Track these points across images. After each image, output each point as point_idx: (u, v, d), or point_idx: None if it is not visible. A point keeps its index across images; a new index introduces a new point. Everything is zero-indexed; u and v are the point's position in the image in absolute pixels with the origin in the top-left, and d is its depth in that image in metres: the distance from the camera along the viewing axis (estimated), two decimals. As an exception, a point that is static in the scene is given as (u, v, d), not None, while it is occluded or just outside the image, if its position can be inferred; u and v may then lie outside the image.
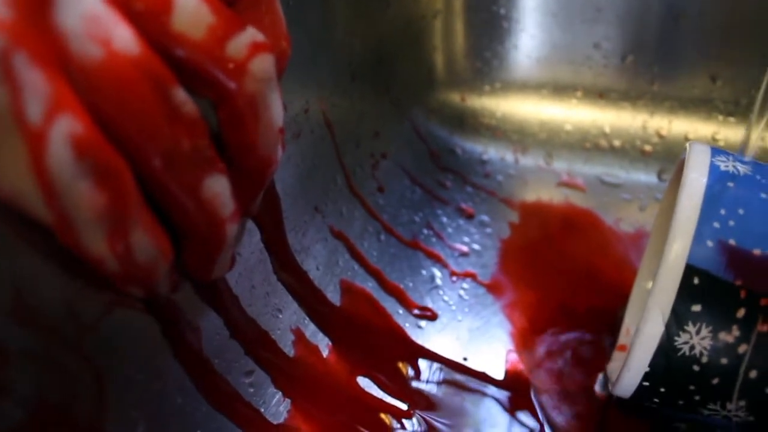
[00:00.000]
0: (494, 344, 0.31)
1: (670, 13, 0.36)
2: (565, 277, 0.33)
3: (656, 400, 0.26)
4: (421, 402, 0.28)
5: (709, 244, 0.23)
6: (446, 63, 0.41)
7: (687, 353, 0.24)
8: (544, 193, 0.36)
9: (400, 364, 0.29)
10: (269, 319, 0.26)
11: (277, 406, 0.26)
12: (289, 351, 0.27)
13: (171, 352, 0.22)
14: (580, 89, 0.39)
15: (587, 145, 0.38)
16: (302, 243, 0.28)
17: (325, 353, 0.28)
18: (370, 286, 0.31)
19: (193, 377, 0.23)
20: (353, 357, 0.28)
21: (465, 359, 0.30)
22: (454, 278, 0.33)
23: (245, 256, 0.25)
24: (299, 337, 0.27)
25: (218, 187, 0.18)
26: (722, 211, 0.24)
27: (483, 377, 0.29)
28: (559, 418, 0.29)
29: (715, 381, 0.24)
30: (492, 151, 0.38)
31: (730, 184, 0.24)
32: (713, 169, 0.25)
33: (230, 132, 0.18)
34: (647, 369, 0.24)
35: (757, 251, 0.23)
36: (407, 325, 0.31)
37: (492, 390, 0.29)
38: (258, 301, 0.26)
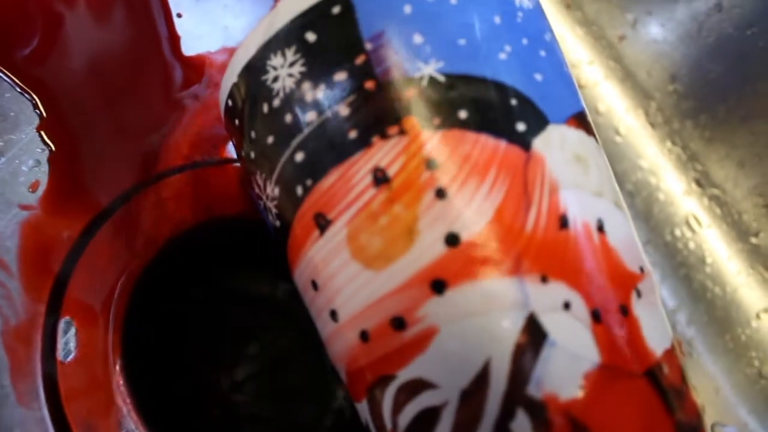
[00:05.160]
0: (215, 39, 0.26)
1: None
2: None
3: (233, 140, 0.20)
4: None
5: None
6: None
7: (269, 82, 0.18)
8: None
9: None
10: None
11: None
12: None
13: None
14: None
15: None
16: None
17: None
18: None
19: None
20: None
21: (179, 15, 0.26)
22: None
23: None
24: None
25: None
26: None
27: (173, 41, 0.25)
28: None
29: (270, 140, 0.18)
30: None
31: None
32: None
33: None
34: (235, 80, 0.19)
35: (418, 38, 0.17)
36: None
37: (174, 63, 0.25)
38: None
